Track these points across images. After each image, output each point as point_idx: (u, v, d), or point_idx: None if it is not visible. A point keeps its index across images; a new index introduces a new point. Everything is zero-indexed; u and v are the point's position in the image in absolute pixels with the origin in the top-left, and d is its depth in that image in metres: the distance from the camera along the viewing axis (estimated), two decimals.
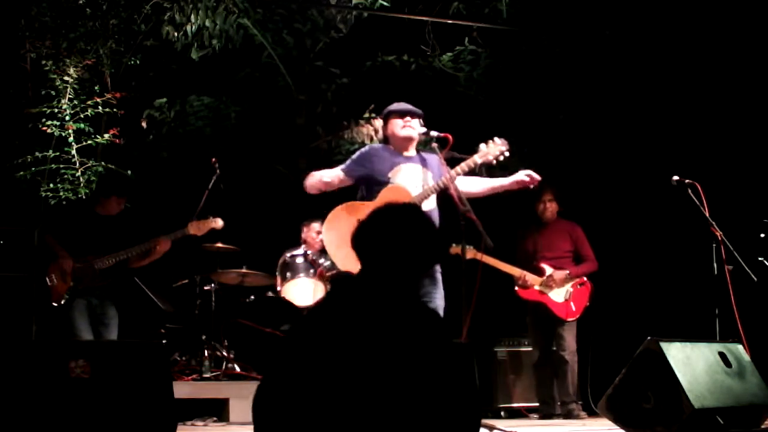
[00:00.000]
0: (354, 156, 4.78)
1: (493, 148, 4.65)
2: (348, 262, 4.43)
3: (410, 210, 2.57)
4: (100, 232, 5.36)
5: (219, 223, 5.58)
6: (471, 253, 5.73)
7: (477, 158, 4.60)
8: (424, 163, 4.77)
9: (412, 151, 4.80)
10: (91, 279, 5.29)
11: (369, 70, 9.91)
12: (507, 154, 4.67)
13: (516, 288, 6.04)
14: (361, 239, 2.52)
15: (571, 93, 8.68)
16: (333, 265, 5.71)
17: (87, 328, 5.27)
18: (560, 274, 6.04)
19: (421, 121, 4.77)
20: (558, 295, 6.01)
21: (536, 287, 6.00)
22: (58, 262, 5.26)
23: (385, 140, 4.87)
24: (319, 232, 7.01)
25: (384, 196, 4.53)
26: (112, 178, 6.16)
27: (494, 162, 4.66)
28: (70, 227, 5.37)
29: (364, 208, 4.49)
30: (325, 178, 4.72)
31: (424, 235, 2.50)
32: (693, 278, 6.29)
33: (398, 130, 4.73)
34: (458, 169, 4.55)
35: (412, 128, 4.72)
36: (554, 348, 6.12)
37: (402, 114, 4.75)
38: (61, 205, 7.13)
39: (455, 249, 5.75)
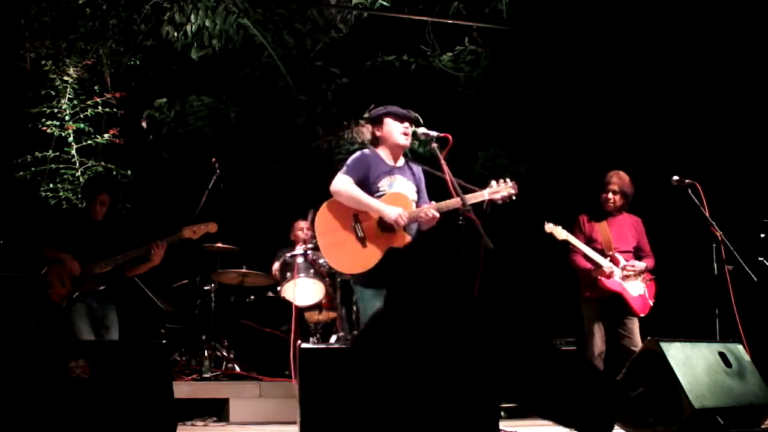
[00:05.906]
0: (350, 162, 4.64)
1: (504, 189, 4.54)
2: (331, 251, 4.50)
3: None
4: (96, 238, 5.34)
5: (213, 227, 5.53)
6: (563, 234, 5.63)
7: (486, 194, 4.50)
8: (412, 175, 4.73)
9: (401, 161, 4.75)
10: (90, 283, 5.27)
11: (369, 70, 9.90)
12: (514, 198, 4.57)
13: (599, 278, 5.72)
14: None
15: (571, 93, 8.68)
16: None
17: (88, 330, 5.24)
18: (640, 265, 5.81)
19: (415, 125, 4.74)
20: (634, 289, 5.87)
21: (616, 278, 5.74)
22: (61, 266, 5.22)
23: (374, 141, 4.74)
24: (301, 228, 7.04)
25: (386, 202, 4.54)
26: (90, 181, 6.13)
27: (500, 202, 4.54)
28: (66, 235, 5.34)
29: None
30: (353, 189, 4.59)
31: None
32: (693, 278, 6.27)
33: (396, 135, 4.63)
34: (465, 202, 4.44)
35: (408, 136, 4.67)
36: (622, 342, 5.79)
37: (402, 118, 4.66)
38: (55, 215, 7.07)
39: (550, 228, 5.71)
